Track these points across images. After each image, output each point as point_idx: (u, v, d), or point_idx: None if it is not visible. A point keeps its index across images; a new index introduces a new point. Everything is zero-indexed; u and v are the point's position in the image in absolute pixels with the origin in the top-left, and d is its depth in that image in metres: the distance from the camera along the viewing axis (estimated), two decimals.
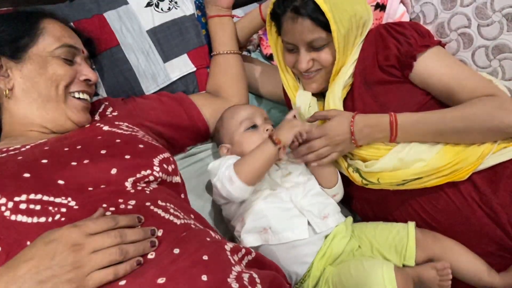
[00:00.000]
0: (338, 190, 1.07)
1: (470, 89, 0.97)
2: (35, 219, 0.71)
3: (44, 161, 0.79)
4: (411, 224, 0.98)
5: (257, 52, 1.57)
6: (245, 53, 1.48)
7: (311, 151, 1.01)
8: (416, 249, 0.93)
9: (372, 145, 1.00)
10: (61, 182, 0.77)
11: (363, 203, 1.14)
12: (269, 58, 1.53)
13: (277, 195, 0.98)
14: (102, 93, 1.19)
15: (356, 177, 1.04)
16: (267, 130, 1.05)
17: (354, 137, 0.98)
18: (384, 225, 1.01)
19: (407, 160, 0.95)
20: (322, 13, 0.97)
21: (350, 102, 1.07)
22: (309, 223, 0.96)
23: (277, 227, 0.94)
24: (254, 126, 1.06)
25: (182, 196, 0.96)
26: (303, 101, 1.13)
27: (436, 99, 1.03)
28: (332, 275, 0.89)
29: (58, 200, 0.74)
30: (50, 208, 0.72)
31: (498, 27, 1.34)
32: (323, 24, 0.98)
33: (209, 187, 1.15)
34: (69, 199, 0.75)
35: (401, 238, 0.95)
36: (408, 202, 1.02)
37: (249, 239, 0.94)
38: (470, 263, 0.94)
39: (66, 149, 0.84)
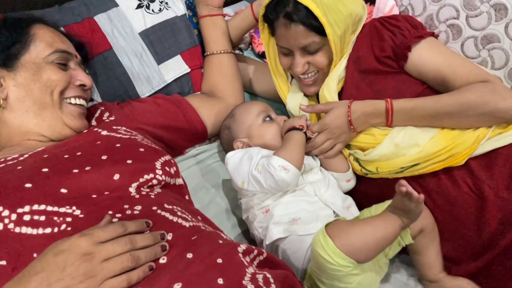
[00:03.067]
0: (352, 175, 1.08)
1: (464, 77, 0.98)
2: (40, 231, 0.69)
3: (45, 170, 0.77)
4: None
5: (249, 51, 1.57)
6: (237, 51, 1.47)
7: (314, 148, 1.03)
8: None
9: (368, 132, 1.02)
10: (64, 190, 0.75)
11: (363, 196, 1.14)
12: (262, 56, 1.53)
13: (302, 189, 1.00)
14: (97, 98, 1.17)
15: (356, 166, 1.06)
16: (284, 120, 1.08)
17: (353, 126, 0.99)
18: (376, 206, 1.01)
19: (403, 145, 0.97)
20: (315, 18, 0.97)
21: (345, 94, 1.08)
22: (334, 214, 0.98)
23: (306, 218, 0.95)
24: (270, 118, 1.10)
25: (187, 197, 0.95)
26: (294, 102, 1.14)
27: (431, 88, 1.05)
28: None
29: (62, 209, 0.72)
30: (55, 218, 0.71)
31: (487, 17, 1.36)
32: (317, 28, 0.98)
33: (211, 189, 1.14)
34: (74, 207, 0.73)
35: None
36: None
37: (276, 230, 0.94)
38: (434, 253, 0.97)
39: (66, 156, 0.83)
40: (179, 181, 0.93)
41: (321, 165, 1.08)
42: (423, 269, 0.99)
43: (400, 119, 0.98)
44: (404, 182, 0.81)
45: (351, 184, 1.10)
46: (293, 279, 0.82)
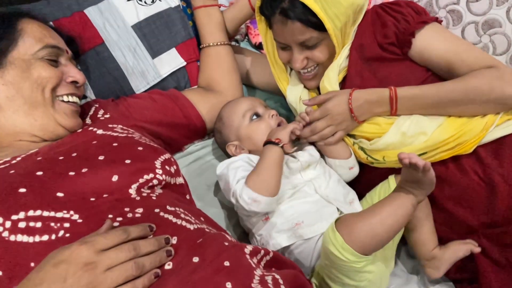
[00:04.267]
0: (354, 162, 1.05)
1: (469, 62, 0.97)
2: (37, 238, 0.66)
3: (39, 173, 0.74)
4: (391, 177, 0.98)
5: (245, 42, 1.54)
6: (233, 43, 1.43)
7: (314, 133, 1.00)
8: None
9: (373, 121, 0.99)
10: (60, 194, 0.72)
11: (368, 185, 1.12)
12: (258, 47, 1.49)
13: (301, 190, 0.96)
14: (90, 95, 1.13)
15: (361, 154, 1.03)
16: (272, 115, 1.03)
17: (354, 114, 0.97)
18: (371, 192, 1.02)
19: (410, 134, 0.95)
20: (312, 13, 0.93)
21: (348, 83, 1.05)
22: (339, 211, 0.95)
23: (309, 220, 0.91)
24: (257, 115, 1.04)
25: (188, 197, 0.92)
26: (294, 94, 1.11)
27: (436, 75, 1.03)
28: None
29: (59, 214, 0.69)
30: (52, 224, 0.68)
31: (487, 2, 1.34)
32: (315, 24, 0.95)
33: (211, 186, 1.11)
34: (72, 212, 0.70)
35: (385, 192, 0.96)
36: None
37: (281, 238, 0.91)
38: (429, 229, 0.96)
39: (60, 158, 0.79)
40: (179, 180, 0.90)
41: (321, 156, 1.05)
42: (419, 247, 0.98)
43: (404, 107, 0.96)
44: (404, 154, 0.80)
45: (354, 171, 1.06)
46: (302, 279, 0.80)
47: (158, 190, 0.81)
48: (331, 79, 1.03)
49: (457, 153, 0.95)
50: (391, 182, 0.97)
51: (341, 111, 0.97)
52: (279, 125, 1.02)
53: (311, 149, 1.04)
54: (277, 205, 0.94)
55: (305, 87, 1.13)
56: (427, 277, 1.01)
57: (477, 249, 0.93)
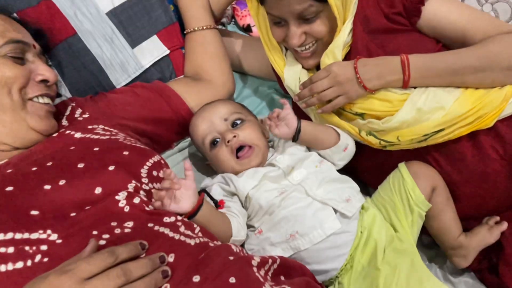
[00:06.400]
0: (346, 140, 0.96)
1: (484, 30, 0.91)
2: (10, 266, 0.58)
3: (9, 188, 0.66)
4: (401, 165, 0.93)
5: (232, 25, 1.45)
6: (219, 27, 1.34)
7: (313, 92, 0.92)
8: (417, 182, 0.88)
9: (384, 98, 0.91)
10: (35, 212, 0.64)
11: (375, 172, 1.05)
12: (247, 29, 1.40)
13: (290, 195, 0.88)
14: (65, 93, 1.04)
15: (372, 140, 0.94)
16: (228, 142, 0.92)
17: (360, 78, 0.88)
18: (384, 184, 0.96)
19: (426, 109, 0.87)
20: None
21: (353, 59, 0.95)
22: (335, 211, 0.86)
23: (304, 228, 0.84)
24: (216, 141, 0.94)
25: None
26: (292, 76, 1.03)
27: (447, 47, 0.96)
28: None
29: (34, 236, 0.61)
30: (27, 248, 0.60)
31: None
32: None
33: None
34: (49, 231, 0.62)
35: (399, 183, 0.91)
36: (426, 160, 0.95)
37: (275, 252, 0.84)
38: (451, 215, 0.92)
39: (34, 168, 0.71)
40: None
41: (309, 149, 0.97)
42: (443, 235, 0.92)
43: (418, 74, 0.88)
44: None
45: (350, 151, 0.98)
46: (315, 285, 0.72)
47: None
48: (336, 56, 0.94)
49: (476, 128, 0.88)
50: (403, 171, 0.90)
51: (344, 72, 0.89)
52: (239, 149, 0.93)
53: (291, 148, 0.96)
54: (267, 215, 0.87)
55: (303, 66, 1.04)
56: (447, 267, 0.96)
57: (504, 226, 0.90)
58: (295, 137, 0.93)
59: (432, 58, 0.88)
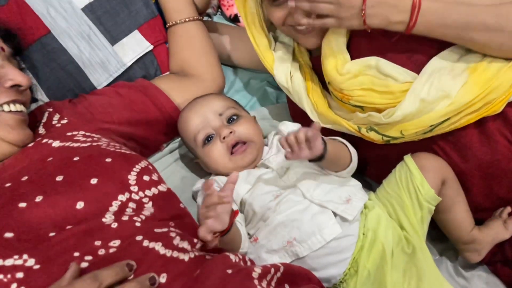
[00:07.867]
0: (355, 163, 0.88)
1: None
2: None
3: None
4: (407, 157, 0.88)
5: (218, 15, 1.38)
6: (205, 18, 1.27)
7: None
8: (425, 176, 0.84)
9: (386, 90, 0.85)
10: (9, 235, 0.58)
11: (379, 165, 1.00)
12: (234, 19, 1.33)
13: (285, 198, 0.82)
14: (42, 97, 0.96)
15: (374, 136, 0.89)
16: (224, 138, 0.86)
17: (364, 10, 0.80)
18: (389, 178, 0.90)
19: (430, 99, 0.82)
20: None
21: (354, 44, 0.90)
22: (334, 214, 0.80)
23: (302, 234, 0.78)
24: (210, 137, 0.88)
25: (182, 205, 0.78)
26: (282, 72, 0.97)
27: None
28: None
29: (9, 262, 0.56)
30: (1, 276, 0.54)
31: None
32: None
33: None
34: (25, 256, 0.57)
35: (406, 177, 0.86)
36: (432, 150, 0.90)
37: (272, 260, 0.79)
38: (463, 208, 0.87)
39: (7, 185, 0.65)
40: (163, 187, 0.75)
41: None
42: (455, 230, 0.88)
43: (425, 22, 0.81)
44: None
45: (354, 166, 0.90)
46: None
47: (148, 206, 0.68)
48: (338, 40, 0.88)
49: (484, 115, 0.83)
50: (410, 164, 0.85)
51: (352, 1, 0.80)
52: (234, 146, 0.87)
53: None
54: (261, 221, 0.81)
55: (293, 61, 0.98)
56: (458, 261, 0.92)
57: None
58: (315, 159, 0.79)
59: (446, 6, 0.81)
